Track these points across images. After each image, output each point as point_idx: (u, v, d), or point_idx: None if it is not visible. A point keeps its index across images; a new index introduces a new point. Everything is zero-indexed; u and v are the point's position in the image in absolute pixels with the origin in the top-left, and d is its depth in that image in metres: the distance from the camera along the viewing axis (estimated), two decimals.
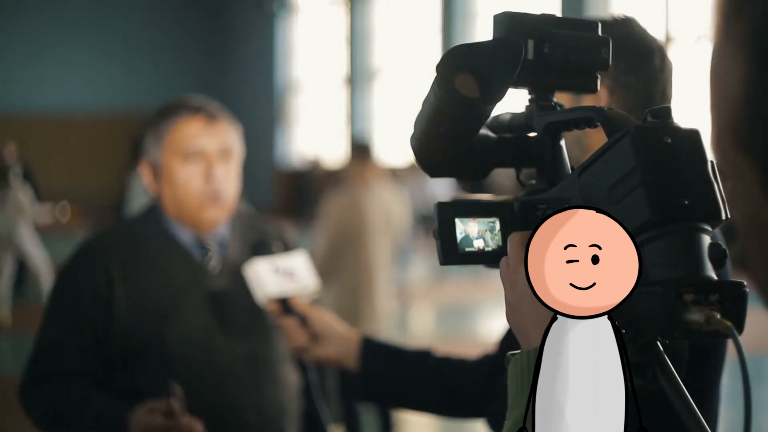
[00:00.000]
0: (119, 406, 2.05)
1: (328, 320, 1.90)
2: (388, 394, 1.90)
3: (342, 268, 5.08)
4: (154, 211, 2.34)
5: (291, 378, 2.32)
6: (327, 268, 4.98)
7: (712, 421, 1.43)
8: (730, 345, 1.05)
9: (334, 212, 5.13)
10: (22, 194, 10.08)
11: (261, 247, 2.17)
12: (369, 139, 5.68)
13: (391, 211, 5.32)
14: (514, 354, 0.95)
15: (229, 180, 2.29)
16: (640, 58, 1.51)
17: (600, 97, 1.48)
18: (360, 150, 5.45)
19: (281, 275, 2.01)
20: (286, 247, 2.30)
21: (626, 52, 1.46)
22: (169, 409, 1.94)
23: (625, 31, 1.51)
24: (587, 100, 1.40)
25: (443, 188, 12.93)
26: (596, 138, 1.40)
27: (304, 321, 1.89)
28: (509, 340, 1.72)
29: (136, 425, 1.97)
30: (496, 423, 1.65)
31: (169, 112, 2.31)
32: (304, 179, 14.52)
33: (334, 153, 20.69)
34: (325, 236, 5.11)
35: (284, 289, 1.97)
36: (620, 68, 1.43)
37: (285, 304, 1.93)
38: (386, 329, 5.32)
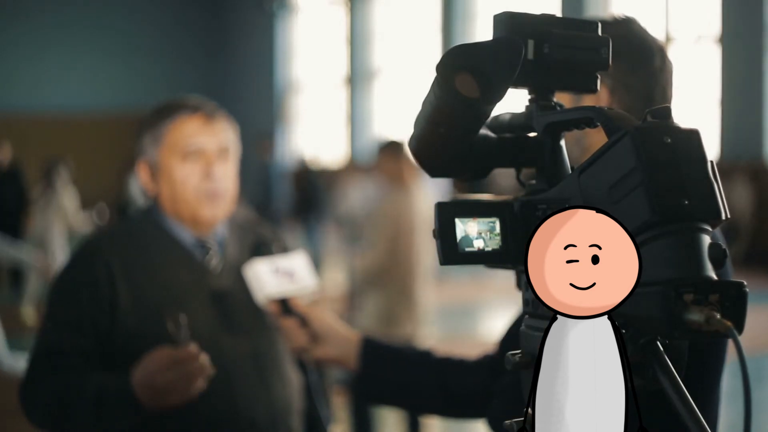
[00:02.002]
0: (115, 377, 2.03)
1: (328, 320, 1.90)
2: (388, 395, 1.90)
3: (395, 270, 5.03)
4: (152, 211, 2.34)
5: (294, 375, 2.32)
6: (382, 271, 4.94)
7: (712, 421, 1.44)
8: (730, 345, 1.05)
9: (389, 214, 5.04)
10: (67, 199, 9.63)
11: (261, 248, 2.17)
12: (400, 136, 5.49)
13: (427, 210, 5.26)
14: None
15: (227, 179, 2.30)
16: (640, 58, 1.51)
17: (600, 97, 1.48)
18: (392, 147, 5.25)
19: (281, 276, 2.01)
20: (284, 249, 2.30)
21: (626, 52, 1.46)
22: (174, 353, 1.94)
23: (626, 31, 1.51)
24: (587, 100, 1.40)
25: (440, 188, 12.90)
26: (596, 138, 1.41)
27: (304, 321, 1.89)
28: (509, 340, 1.72)
29: (142, 376, 1.96)
30: (496, 423, 1.65)
31: (167, 111, 2.31)
32: (299, 179, 14.43)
33: (334, 153, 20.68)
34: (380, 239, 5.00)
35: (284, 290, 1.97)
36: (620, 68, 1.43)
37: (285, 305, 1.93)
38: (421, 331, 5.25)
